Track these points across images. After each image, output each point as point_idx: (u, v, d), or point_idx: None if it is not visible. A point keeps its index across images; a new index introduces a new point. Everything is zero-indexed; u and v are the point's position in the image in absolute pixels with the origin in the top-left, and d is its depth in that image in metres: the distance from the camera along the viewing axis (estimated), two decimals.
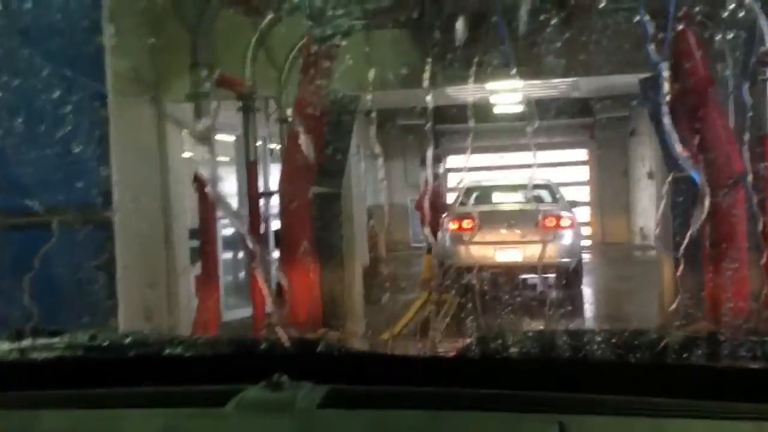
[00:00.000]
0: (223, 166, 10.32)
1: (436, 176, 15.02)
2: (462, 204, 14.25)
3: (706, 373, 1.36)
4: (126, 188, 5.03)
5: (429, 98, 6.82)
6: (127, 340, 1.59)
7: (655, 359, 1.42)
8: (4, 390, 1.38)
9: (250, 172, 7.00)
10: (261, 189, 8.33)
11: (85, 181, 4.29)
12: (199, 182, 5.96)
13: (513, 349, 1.46)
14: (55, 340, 1.56)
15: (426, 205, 13.64)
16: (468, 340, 1.56)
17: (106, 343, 1.58)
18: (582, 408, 1.21)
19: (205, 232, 6.06)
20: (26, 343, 1.57)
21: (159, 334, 1.71)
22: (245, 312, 7.89)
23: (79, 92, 4.10)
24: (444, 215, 13.99)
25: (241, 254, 9.66)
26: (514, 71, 6.62)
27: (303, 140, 6.49)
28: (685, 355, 1.43)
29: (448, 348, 1.71)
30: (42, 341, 1.56)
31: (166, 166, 7.37)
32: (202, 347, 1.57)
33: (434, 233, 13.51)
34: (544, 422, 1.17)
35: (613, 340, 1.50)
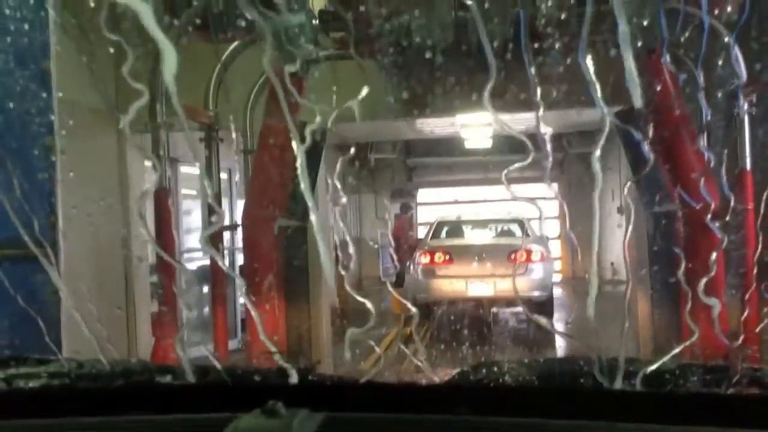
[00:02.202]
0: (189, 198, 10.06)
1: (406, 209, 14.90)
2: (433, 238, 14.22)
3: (705, 400, 1.35)
4: (77, 222, 4.74)
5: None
6: (116, 369, 1.55)
7: (649, 386, 1.41)
8: None
9: (210, 205, 6.76)
10: (226, 222, 8.08)
11: (27, 215, 4.01)
12: (159, 197, 5.66)
13: (509, 376, 1.46)
14: (41, 368, 1.53)
15: (395, 238, 13.55)
16: (463, 368, 1.53)
17: (94, 372, 1.54)
18: None
19: (162, 265, 5.78)
20: (11, 371, 1.52)
21: (147, 362, 1.67)
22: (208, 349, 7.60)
23: (24, 120, 3.85)
24: (416, 249, 13.93)
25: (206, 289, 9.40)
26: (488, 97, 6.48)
27: (267, 172, 6.28)
28: (680, 382, 1.44)
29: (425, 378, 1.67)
30: (28, 370, 1.53)
31: (126, 198, 7.10)
32: (193, 376, 1.51)
33: (401, 267, 13.42)
34: None
35: (606, 368, 1.48)
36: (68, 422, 1.33)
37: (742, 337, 4.77)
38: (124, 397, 1.43)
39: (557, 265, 19.83)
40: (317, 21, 6.29)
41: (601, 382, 1.44)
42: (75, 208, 4.54)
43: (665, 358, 1.64)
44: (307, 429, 1.22)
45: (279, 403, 1.24)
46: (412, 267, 13.49)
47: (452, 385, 1.50)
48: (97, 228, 5.85)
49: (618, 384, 1.42)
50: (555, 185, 21.36)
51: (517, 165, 2.20)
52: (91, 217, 5.59)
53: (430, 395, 1.43)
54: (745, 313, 5.14)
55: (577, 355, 1.62)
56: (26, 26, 3.71)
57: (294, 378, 1.49)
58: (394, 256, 14.84)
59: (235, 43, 6.50)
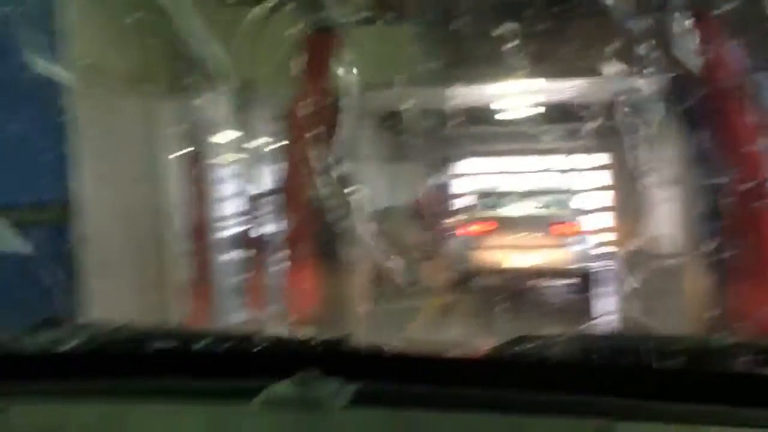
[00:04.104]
0: (226, 166, 9.94)
1: (433, 179, 14.65)
2: (475, 208, 14.18)
3: (751, 380, 1.30)
4: (99, 187, 4.58)
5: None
6: (152, 333, 1.57)
7: (696, 365, 1.36)
8: (30, 381, 1.37)
9: (243, 170, 6.59)
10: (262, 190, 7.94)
11: (45, 179, 3.88)
12: (193, 162, 5.51)
13: (549, 351, 1.42)
14: (78, 331, 1.55)
15: (425, 210, 13.53)
16: (501, 341, 1.50)
17: (130, 335, 1.57)
18: (621, 413, 1.19)
19: (196, 230, 5.63)
20: (47, 334, 1.55)
21: (183, 327, 1.75)
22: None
23: (40, 83, 3.68)
24: (451, 219, 13.87)
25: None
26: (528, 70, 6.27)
27: (304, 139, 6.10)
28: (727, 362, 1.36)
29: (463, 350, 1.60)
30: (63, 333, 1.54)
31: (154, 164, 6.91)
32: (229, 341, 1.52)
33: (435, 238, 13.50)
34: (582, 427, 1.16)
35: (652, 345, 1.42)
36: (105, 385, 1.36)
37: None
38: (160, 360, 1.46)
39: (604, 237, 19.44)
40: None
41: (648, 360, 1.36)
42: (100, 173, 4.40)
43: (717, 336, 1.56)
44: (340, 399, 1.22)
45: (312, 372, 1.23)
46: (453, 237, 13.45)
47: (491, 358, 1.45)
48: (127, 193, 5.71)
49: (665, 362, 1.35)
50: (605, 155, 20.90)
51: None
52: (119, 182, 5.43)
53: (467, 368, 1.40)
54: None
55: (623, 330, 1.47)
56: None
57: (329, 347, 1.47)
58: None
59: (269, 4, 6.27)
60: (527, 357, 1.41)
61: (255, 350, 1.47)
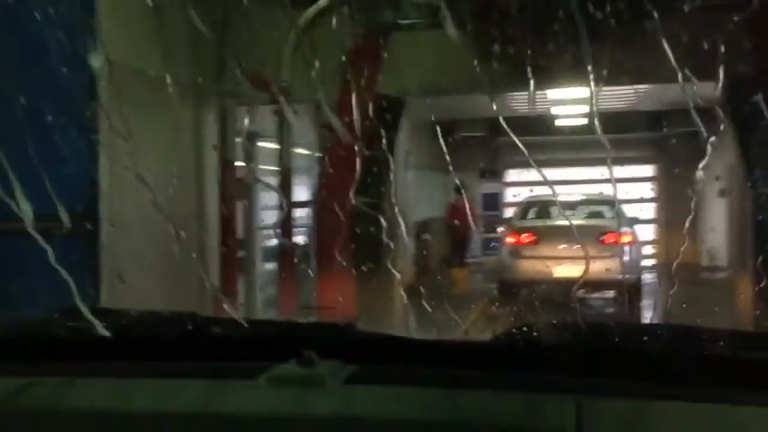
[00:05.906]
0: (270, 175, 9.89)
1: (459, 190, 14.53)
2: (521, 218, 14.16)
3: (726, 362, 1.38)
4: (134, 193, 4.51)
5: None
6: (170, 319, 1.69)
7: (677, 350, 1.45)
8: (51, 362, 1.49)
9: (283, 180, 6.51)
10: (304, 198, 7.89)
11: (75, 187, 3.84)
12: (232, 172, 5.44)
13: (538, 336, 1.52)
14: (101, 317, 1.62)
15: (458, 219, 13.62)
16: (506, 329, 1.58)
17: (149, 321, 1.69)
18: (599, 390, 1.26)
19: (225, 236, 5.55)
20: (74, 320, 1.62)
21: (198, 314, 1.73)
22: None
23: (71, 87, 3.64)
24: (500, 229, 13.87)
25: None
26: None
27: (341, 147, 6.00)
28: (707, 346, 1.46)
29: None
30: (88, 319, 1.60)
31: (201, 172, 6.85)
32: (239, 327, 1.61)
33: (459, 248, 13.69)
34: (562, 402, 1.24)
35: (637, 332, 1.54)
36: (123, 365, 1.47)
37: None
38: (176, 345, 1.56)
39: (652, 248, 19.07)
40: None
41: (629, 343, 1.47)
42: (136, 179, 4.32)
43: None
44: (339, 378, 1.31)
45: (313, 353, 1.32)
46: (499, 246, 13.55)
47: (481, 343, 1.55)
48: (163, 201, 5.63)
49: (646, 346, 1.45)
50: (651, 167, 20.51)
51: None
52: (156, 189, 5.33)
53: (460, 352, 1.47)
54: None
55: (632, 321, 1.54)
56: None
57: (333, 332, 1.58)
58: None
59: (319, 7, 6.16)
60: (519, 342, 1.52)
61: (259, 335, 1.59)
